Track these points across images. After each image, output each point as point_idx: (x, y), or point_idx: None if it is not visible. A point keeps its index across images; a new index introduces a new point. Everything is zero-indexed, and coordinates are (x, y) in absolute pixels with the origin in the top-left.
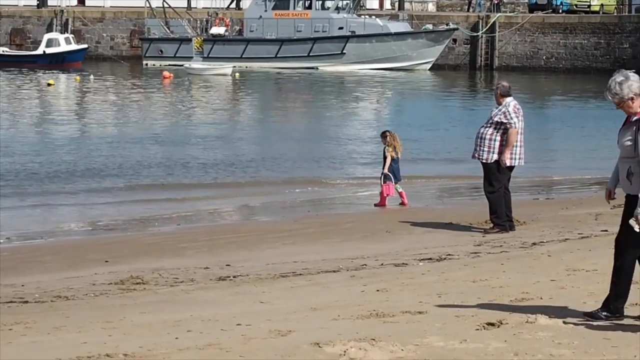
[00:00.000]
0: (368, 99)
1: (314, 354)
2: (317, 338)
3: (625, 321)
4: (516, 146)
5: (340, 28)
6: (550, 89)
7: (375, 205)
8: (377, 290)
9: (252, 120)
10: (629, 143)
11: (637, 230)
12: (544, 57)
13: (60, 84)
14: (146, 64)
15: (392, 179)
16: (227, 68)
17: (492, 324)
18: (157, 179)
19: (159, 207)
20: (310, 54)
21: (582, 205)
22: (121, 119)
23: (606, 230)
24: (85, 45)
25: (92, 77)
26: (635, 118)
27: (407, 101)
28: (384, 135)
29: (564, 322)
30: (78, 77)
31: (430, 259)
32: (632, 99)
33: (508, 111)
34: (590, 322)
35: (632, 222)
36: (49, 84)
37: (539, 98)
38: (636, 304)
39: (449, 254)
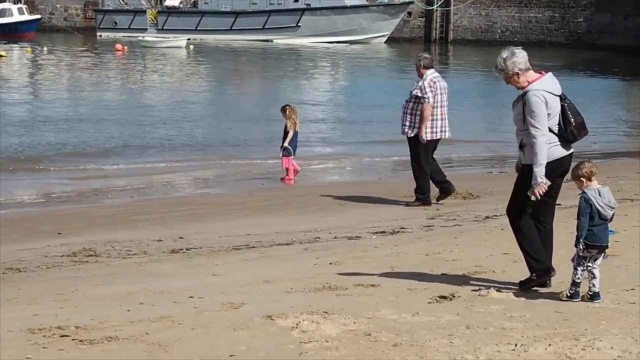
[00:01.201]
0: (323, 72)
1: (266, 327)
2: (270, 311)
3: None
4: (436, 119)
5: (296, 1)
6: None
7: (282, 179)
8: (330, 263)
9: (206, 93)
10: (519, 117)
11: (533, 199)
12: (498, 31)
13: (12, 56)
14: (100, 36)
15: (292, 152)
16: (181, 40)
17: (444, 297)
18: (110, 151)
19: (112, 180)
20: (265, 27)
21: None
22: (73, 92)
23: (559, 204)
24: (38, 16)
25: (45, 48)
26: (521, 92)
27: (363, 75)
28: (283, 109)
29: (516, 296)
30: (30, 49)
31: (383, 232)
32: (517, 74)
33: (423, 85)
34: (541, 296)
35: (529, 193)
36: (0, 56)
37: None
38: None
39: (403, 227)
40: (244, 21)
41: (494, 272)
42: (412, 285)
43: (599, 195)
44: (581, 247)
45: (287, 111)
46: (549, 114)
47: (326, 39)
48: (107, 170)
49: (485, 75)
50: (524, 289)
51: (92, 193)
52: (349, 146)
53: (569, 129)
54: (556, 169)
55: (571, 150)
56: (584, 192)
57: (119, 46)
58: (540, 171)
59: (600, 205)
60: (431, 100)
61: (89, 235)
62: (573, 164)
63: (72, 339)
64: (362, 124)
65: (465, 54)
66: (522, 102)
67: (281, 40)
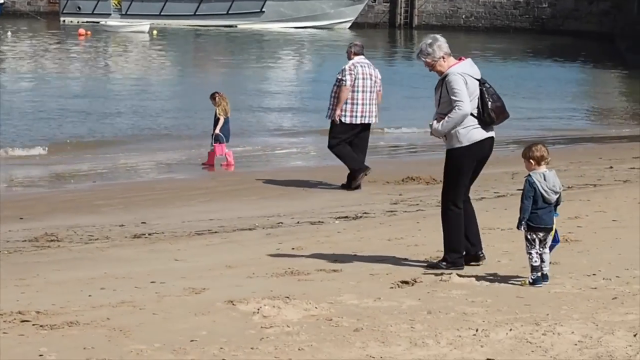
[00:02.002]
0: (286, 58)
1: (228, 312)
2: (231, 296)
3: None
4: (356, 104)
5: None
6: (468, 47)
7: (203, 164)
8: (293, 249)
9: (168, 78)
10: (444, 99)
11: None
12: (463, 16)
13: None
14: (63, 21)
15: (224, 139)
16: (144, 25)
17: (406, 282)
18: (72, 136)
19: (74, 164)
20: (229, 12)
21: (498, 164)
22: (36, 76)
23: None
24: (1, 1)
25: (9, 33)
26: (442, 76)
27: (324, 61)
28: (212, 96)
29: (478, 281)
30: None
31: (346, 217)
32: (443, 57)
33: (344, 69)
34: (503, 281)
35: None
36: None
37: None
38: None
39: (365, 213)
40: (207, 6)
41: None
42: (374, 271)
43: (544, 179)
44: (523, 229)
45: (217, 98)
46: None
47: (290, 25)
48: (69, 155)
49: None
50: (428, 267)
51: (54, 178)
52: (313, 132)
53: (487, 112)
54: (476, 152)
55: (491, 133)
56: (529, 175)
57: (81, 31)
58: (440, 130)
59: (544, 189)
60: (348, 83)
61: (51, 220)
62: (549, 150)
63: (33, 324)
64: (325, 110)
65: None
66: (444, 85)
67: (245, 26)
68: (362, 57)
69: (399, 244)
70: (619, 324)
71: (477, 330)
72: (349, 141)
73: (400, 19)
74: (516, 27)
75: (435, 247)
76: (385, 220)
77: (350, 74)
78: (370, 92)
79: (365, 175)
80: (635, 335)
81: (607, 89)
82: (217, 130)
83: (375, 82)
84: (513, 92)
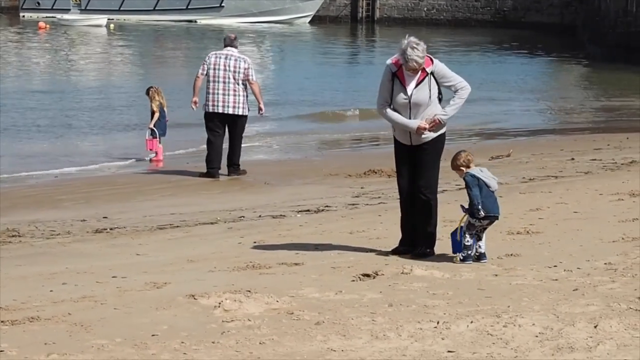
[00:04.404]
0: (247, 52)
1: (189, 306)
2: (193, 290)
3: (499, 273)
4: (212, 94)
5: None
6: (430, 41)
7: (151, 160)
8: (254, 242)
9: (127, 73)
10: (434, 92)
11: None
12: (425, 9)
13: None
14: (23, 16)
15: (157, 134)
16: (101, 19)
17: (367, 275)
18: (32, 130)
19: (36, 159)
20: (189, 7)
21: None
22: None
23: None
24: None
25: None
26: (429, 70)
27: (287, 55)
28: (147, 91)
29: (439, 273)
30: None
31: (308, 210)
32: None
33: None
34: (465, 273)
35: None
36: None
37: None
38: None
39: (327, 206)
40: (166, 2)
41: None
42: (335, 264)
43: (481, 171)
44: (481, 215)
45: (151, 92)
46: None
47: (250, 19)
48: (31, 150)
49: None
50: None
51: (15, 172)
52: (274, 125)
53: None
54: None
55: None
56: (467, 173)
57: (41, 24)
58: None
59: (485, 178)
60: (199, 73)
61: (13, 216)
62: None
63: None
64: (286, 104)
65: (392, 33)
66: (432, 77)
67: (205, 21)
68: (229, 48)
69: (360, 237)
70: (580, 315)
71: (438, 323)
72: (222, 133)
73: (362, 12)
74: (478, 20)
75: (396, 239)
76: (347, 214)
77: (203, 65)
78: (228, 82)
79: (237, 176)
80: (595, 327)
81: (569, 80)
82: (152, 125)
83: (237, 73)
84: (475, 84)
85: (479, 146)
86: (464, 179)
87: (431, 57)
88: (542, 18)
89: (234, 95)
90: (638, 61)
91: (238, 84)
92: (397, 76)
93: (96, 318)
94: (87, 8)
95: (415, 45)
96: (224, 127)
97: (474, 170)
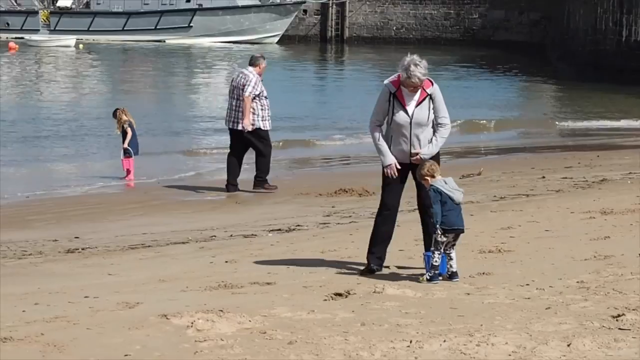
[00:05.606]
0: (214, 72)
1: (161, 326)
2: (165, 310)
3: (471, 291)
4: (229, 110)
5: (188, 1)
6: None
7: (122, 178)
8: (226, 262)
9: (94, 93)
10: (431, 112)
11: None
12: (394, 28)
13: None
14: None
15: (131, 153)
16: (69, 40)
17: (339, 295)
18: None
19: (5, 178)
20: (158, 27)
21: None
22: None
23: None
24: None
25: None
26: (429, 92)
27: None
28: (114, 114)
29: (411, 292)
30: None
31: (279, 229)
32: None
33: None
34: (437, 292)
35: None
36: None
37: (389, 69)
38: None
39: (299, 225)
40: (136, 22)
41: (388, 268)
42: (307, 283)
43: (445, 183)
44: (439, 232)
45: (118, 114)
46: None
47: (218, 39)
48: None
49: (382, 74)
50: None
51: None
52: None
53: None
54: None
55: None
56: (431, 185)
57: (12, 44)
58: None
59: (449, 191)
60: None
61: None
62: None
63: None
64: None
65: (362, 52)
66: (431, 99)
67: (174, 41)
68: (247, 66)
69: (332, 256)
70: (553, 334)
71: (410, 342)
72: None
73: (332, 31)
74: (447, 39)
75: None
76: (319, 233)
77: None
78: (236, 99)
79: (261, 189)
80: (568, 345)
81: (538, 98)
82: (126, 144)
83: (240, 89)
84: (445, 102)
85: (450, 165)
86: (429, 191)
87: (431, 79)
88: (511, 36)
89: (241, 111)
90: (607, 79)
91: (240, 100)
92: (396, 96)
93: (69, 338)
94: (57, 28)
95: (418, 62)
96: (239, 143)
97: (438, 182)
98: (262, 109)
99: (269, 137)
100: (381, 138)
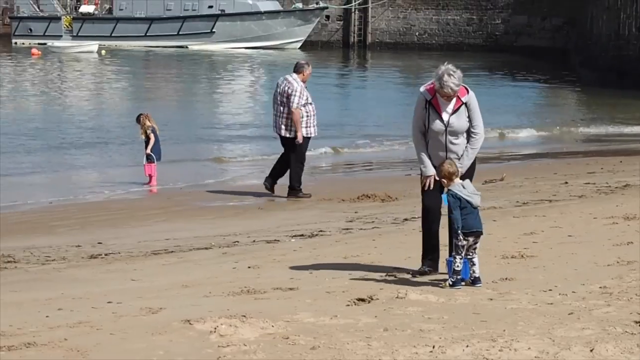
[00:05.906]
0: (238, 78)
1: (184, 331)
2: (188, 315)
3: (494, 297)
4: (273, 116)
5: (210, 7)
6: (422, 65)
7: (144, 184)
8: (249, 267)
9: (116, 98)
10: (465, 121)
11: None
12: (417, 34)
13: None
14: (15, 43)
15: (154, 159)
16: (92, 45)
17: (362, 300)
18: (20, 155)
19: (30, 184)
20: (180, 33)
21: None
22: None
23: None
24: None
25: None
26: (464, 100)
27: (270, 79)
28: (138, 119)
29: (434, 297)
30: None
31: (302, 235)
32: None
33: None
34: (460, 297)
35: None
36: None
37: (412, 76)
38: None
39: (321, 230)
40: (158, 27)
41: (411, 274)
42: (330, 288)
43: (463, 187)
44: (460, 238)
45: (142, 119)
46: None
47: (241, 45)
48: (25, 176)
49: (406, 78)
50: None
51: (9, 199)
52: (267, 149)
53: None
54: None
55: None
56: (449, 190)
57: (34, 50)
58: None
59: (467, 196)
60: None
61: (8, 242)
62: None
63: None
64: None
65: (384, 57)
66: (466, 107)
67: (196, 46)
68: (292, 73)
69: (355, 261)
70: (576, 339)
71: (433, 347)
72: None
73: (354, 37)
74: (470, 44)
75: (391, 263)
76: (341, 238)
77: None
78: (279, 105)
79: (294, 198)
80: (591, 351)
81: (561, 104)
82: (148, 150)
83: (283, 96)
84: None
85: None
86: (447, 197)
87: (467, 87)
88: (534, 42)
89: (284, 117)
90: (630, 85)
91: (285, 107)
92: (432, 104)
93: (92, 343)
94: (79, 34)
95: (452, 72)
96: (284, 146)
97: (456, 187)
98: (307, 116)
99: (306, 146)
100: (424, 148)
